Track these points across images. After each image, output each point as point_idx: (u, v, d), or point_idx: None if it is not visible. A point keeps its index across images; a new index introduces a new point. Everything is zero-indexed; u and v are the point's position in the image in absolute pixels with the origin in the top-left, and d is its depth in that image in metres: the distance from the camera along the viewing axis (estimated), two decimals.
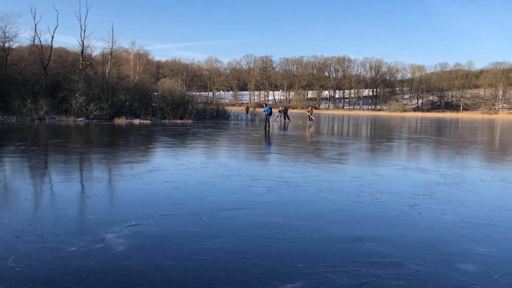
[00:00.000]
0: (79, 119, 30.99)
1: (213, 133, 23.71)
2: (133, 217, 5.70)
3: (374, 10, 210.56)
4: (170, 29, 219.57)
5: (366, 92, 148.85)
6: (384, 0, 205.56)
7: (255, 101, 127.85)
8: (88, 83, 33.43)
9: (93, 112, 31.32)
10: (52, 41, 34.29)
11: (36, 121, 28.85)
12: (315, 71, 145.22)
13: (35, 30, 34.37)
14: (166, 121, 34.59)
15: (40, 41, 34.12)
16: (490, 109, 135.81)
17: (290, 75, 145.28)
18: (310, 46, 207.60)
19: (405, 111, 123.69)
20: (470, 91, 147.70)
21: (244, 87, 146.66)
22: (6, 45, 36.31)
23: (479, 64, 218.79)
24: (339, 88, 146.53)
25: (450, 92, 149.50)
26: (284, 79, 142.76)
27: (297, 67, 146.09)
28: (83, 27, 35.98)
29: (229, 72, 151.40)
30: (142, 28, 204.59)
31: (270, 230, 5.30)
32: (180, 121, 34.70)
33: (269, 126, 28.29)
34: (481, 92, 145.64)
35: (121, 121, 32.08)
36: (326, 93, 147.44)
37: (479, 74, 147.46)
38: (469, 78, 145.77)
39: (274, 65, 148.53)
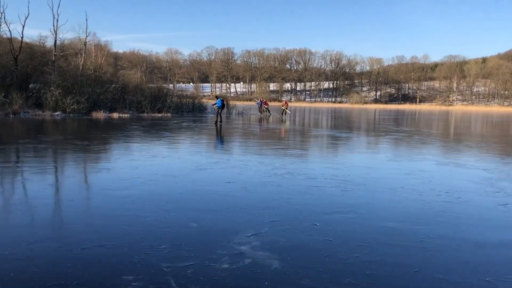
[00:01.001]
0: (55, 113, 29.57)
1: (210, 128, 23.16)
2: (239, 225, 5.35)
3: (334, 2, 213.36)
4: (124, 19, 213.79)
5: (327, 84, 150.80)
6: None
7: (217, 93, 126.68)
8: (62, 75, 31.84)
9: (70, 106, 29.93)
10: (23, 30, 32.44)
11: (11, 115, 27.27)
12: (277, 64, 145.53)
13: (4, 18, 32.20)
14: (145, 114, 33.57)
15: (9, 30, 32.15)
16: (445, 101, 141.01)
17: (252, 67, 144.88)
18: (272, 38, 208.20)
19: (366, 103, 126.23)
20: (426, 83, 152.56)
21: (205, 79, 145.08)
22: None
23: (434, 57, 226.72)
24: (300, 80, 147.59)
25: (407, 84, 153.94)
26: (246, 72, 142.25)
27: (259, 59, 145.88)
28: (56, 16, 34.18)
29: (189, 64, 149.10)
30: (95, 17, 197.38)
31: (393, 236, 5.10)
32: (159, 115, 33.79)
33: (220, 121, 25.41)
34: (436, 84, 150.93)
35: (99, 115, 30.94)
36: (287, 85, 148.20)
37: (434, 67, 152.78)
38: (425, 71, 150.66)
39: (236, 57, 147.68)
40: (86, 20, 37.21)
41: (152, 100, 34.72)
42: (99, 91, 32.87)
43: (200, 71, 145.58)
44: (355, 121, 36.18)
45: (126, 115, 32.25)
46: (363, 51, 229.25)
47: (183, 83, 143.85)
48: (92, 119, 27.34)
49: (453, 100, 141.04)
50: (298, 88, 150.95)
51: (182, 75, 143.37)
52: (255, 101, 53.49)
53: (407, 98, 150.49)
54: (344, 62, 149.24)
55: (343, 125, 29.18)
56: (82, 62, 35.43)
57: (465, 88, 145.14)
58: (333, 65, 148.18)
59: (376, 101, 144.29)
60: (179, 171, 9.19)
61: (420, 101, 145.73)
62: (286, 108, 38.36)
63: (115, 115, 31.54)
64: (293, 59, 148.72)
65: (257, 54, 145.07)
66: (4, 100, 27.59)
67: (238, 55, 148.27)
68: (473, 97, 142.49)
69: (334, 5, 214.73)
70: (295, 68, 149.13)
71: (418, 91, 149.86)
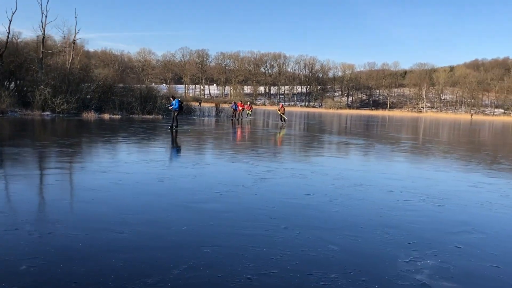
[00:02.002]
0: (45, 113, 28.25)
1: (216, 131, 22.54)
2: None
3: (308, 9, 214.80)
4: (94, 17, 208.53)
5: (300, 89, 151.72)
6: (317, 1, 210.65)
7: (191, 95, 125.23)
8: (49, 73, 30.45)
9: (60, 105, 28.65)
10: (9, 26, 30.71)
11: (0, 114, 25.85)
12: (252, 67, 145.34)
13: None
14: (136, 116, 32.58)
15: None
16: (414, 108, 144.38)
17: (226, 69, 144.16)
18: (247, 41, 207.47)
19: (340, 108, 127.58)
20: (396, 90, 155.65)
21: (179, 81, 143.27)
22: None
23: (405, 64, 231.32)
24: (274, 84, 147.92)
25: (378, 91, 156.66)
26: (221, 74, 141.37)
27: (234, 62, 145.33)
28: (44, 12, 32.69)
29: (163, 64, 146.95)
30: (64, 13, 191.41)
31: None
32: (150, 117, 32.85)
33: (176, 126, 21.99)
34: (406, 91, 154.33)
35: (90, 115, 29.78)
36: (261, 88, 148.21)
37: (404, 74, 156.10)
38: (396, 78, 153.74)
39: (211, 59, 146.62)
40: (76, 17, 36.29)
41: (142, 102, 33.73)
42: (87, 91, 31.65)
43: (174, 72, 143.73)
44: (356, 126, 36.22)
45: (117, 116, 31.18)
46: (336, 57, 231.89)
47: (155, 84, 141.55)
48: (85, 120, 26.27)
49: (422, 107, 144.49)
50: (272, 92, 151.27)
51: (155, 76, 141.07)
52: (229, 104, 46.76)
53: (378, 104, 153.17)
54: (317, 67, 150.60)
55: (351, 132, 29.10)
56: (70, 60, 34.03)
57: (433, 95, 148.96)
58: (306, 70, 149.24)
59: (348, 106, 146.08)
60: (242, 180, 8.65)
61: (391, 107, 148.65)
62: (283, 113, 36.45)
63: (106, 116, 30.41)
64: (267, 63, 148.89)
65: (232, 57, 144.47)
66: None
67: (212, 57, 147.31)
68: (441, 104, 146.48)
69: (308, 11, 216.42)
70: (269, 71, 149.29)
71: (388, 98, 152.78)
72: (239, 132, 23.49)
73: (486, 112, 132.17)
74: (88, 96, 32.09)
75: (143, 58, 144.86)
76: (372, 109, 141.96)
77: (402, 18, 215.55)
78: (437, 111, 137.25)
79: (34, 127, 20.65)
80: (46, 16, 32.80)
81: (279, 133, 23.95)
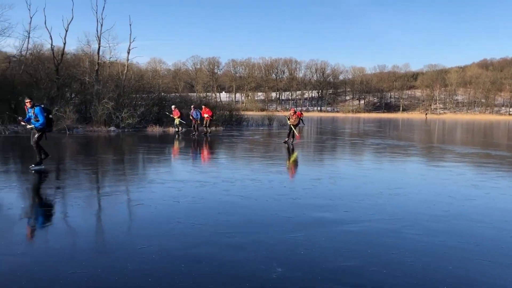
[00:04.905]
0: (110, 129, 26.65)
1: (308, 143, 20.96)
2: None
3: (316, 13, 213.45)
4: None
5: (311, 93, 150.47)
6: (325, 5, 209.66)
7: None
8: (105, 86, 28.80)
9: (125, 120, 27.05)
10: (65, 36, 29.03)
11: (68, 131, 24.23)
12: (263, 73, 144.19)
13: (45, 23, 28.92)
14: (200, 128, 30.98)
15: (50, 36, 28.99)
16: (426, 109, 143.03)
17: (237, 77, 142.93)
18: (257, 47, 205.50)
19: (358, 112, 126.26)
20: (408, 92, 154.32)
21: (191, 89, 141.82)
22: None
23: (415, 66, 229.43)
24: (286, 90, 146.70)
25: (389, 93, 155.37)
26: (233, 81, 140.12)
27: (245, 69, 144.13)
28: (100, 21, 31.05)
29: (174, 73, 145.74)
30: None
31: None
32: (214, 128, 31.29)
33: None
34: (417, 93, 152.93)
35: (155, 129, 28.20)
36: (273, 94, 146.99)
37: (415, 76, 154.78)
38: (407, 80, 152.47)
39: (221, 67, 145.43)
40: (130, 25, 33.86)
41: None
42: (147, 103, 30.07)
43: (185, 81, 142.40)
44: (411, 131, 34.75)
45: (181, 129, 29.58)
46: (345, 60, 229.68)
47: (165, 93, 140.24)
48: (156, 135, 24.80)
49: (435, 109, 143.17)
50: (283, 97, 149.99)
51: (167, 85, 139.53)
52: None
53: (390, 107, 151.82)
54: (328, 71, 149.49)
55: (472, 141, 27.57)
56: (125, 72, 32.44)
57: (445, 96, 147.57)
58: (318, 75, 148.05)
59: (363, 110, 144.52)
60: (452, 193, 7.13)
61: (403, 110, 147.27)
62: (295, 124, 35.42)
63: (171, 129, 28.77)
64: (278, 68, 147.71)
65: (243, 64, 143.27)
66: (59, 115, 24.47)
67: (223, 64, 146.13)
68: (453, 105, 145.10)
69: (316, 16, 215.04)
70: (281, 77, 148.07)
71: (401, 100, 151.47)
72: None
73: (501, 112, 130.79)
74: (149, 110, 30.50)
75: (153, 67, 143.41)
76: (384, 112, 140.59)
77: (407, 20, 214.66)
78: (454, 112, 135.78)
79: (120, 145, 19.08)
80: (101, 25, 31.21)
81: (290, 158, 15.35)
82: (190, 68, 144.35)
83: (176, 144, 19.91)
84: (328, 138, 25.07)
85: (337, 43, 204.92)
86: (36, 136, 10.80)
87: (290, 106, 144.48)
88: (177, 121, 26.68)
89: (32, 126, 10.69)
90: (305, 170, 11.95)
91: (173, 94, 35.30)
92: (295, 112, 20.90)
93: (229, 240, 5.45)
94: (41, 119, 10.64)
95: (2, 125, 23.24)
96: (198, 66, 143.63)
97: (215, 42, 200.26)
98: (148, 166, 12.61)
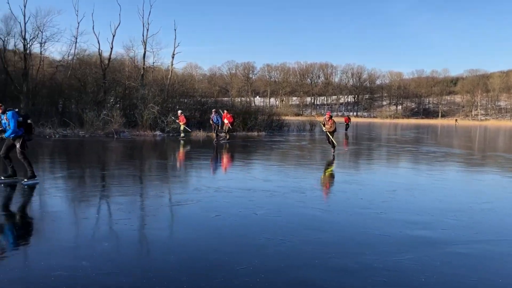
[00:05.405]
0: (156, 133, 26.59)
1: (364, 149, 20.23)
2: None
3: (352, 17, 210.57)
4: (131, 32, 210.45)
5: (347, 98, 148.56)
6: (360, 9, 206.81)
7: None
8: (150, 91, 28.77)
9: (170, 125, 26.94)
10: (112, 40, 29.26)
11: (115, 136, 24.27)
12: (298, 78, 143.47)
13: (93, 28, 29.31)
14: (243, 133, 30.71)
15: (98, 41, 29.30)
16: (467, 115, 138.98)
17: (272, 81, 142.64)
18: (293, 52, 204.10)
19: (396, 118, 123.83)
20: (447, 97, 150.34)
21: (225, 94, 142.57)
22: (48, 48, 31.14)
23: (454, 71, 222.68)
24: (321, 94, 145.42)
25: (427, 99, 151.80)
26: (267, 86, 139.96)
27: (280, 73, 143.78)
28: (146, 26, 31.21)
29: (209, 78, 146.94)
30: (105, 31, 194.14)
31: None
32: (254, 133, 30.91)
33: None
34: (457, 98, 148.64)
35: (199, 134, 27.98)
36: (308, 99, 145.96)
37: (455, 81, 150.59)
38: (447, 85, 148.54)
39: (256, 71, 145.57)
40: (175, 30, 33.84)
41: (245, 118, 31.84)
42: (191, 108, 29.96)
43: (219, 86, 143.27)
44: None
45: (222, 134, 29.25)
46: (382, 65, 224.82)
47: (206, 98, 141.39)
48: (201, 140, 24.56)
49: (476, 115, 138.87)
50: (318, 102, 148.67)
51: (204, 90, 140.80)
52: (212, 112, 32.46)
53: (428, 113, 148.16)
54: (364, 76, 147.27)
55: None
56: (170, 76, 32.49)
57: (487, 102, 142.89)
58: (354, 79, 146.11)
59: (402, 115, 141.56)
60: None
61: (442, 116, 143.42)
62: (331, 131, 35.04)
63: (212, 134, 28.47)
64: (314, 73, 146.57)
65: (278, 68, 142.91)
66: (107, 119, 24.57)
67: (258, 69, 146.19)
68: (495, 111, 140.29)
69: (354, 19, 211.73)
70: (316, 82, 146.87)
71: (440, 106, 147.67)
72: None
73: None
74: (189, 113, 30.36)
75: (189, 73, 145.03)
76: (421, 118, 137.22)
77: (446, 24, 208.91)
78: (497, 118, 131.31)
79: (170, 150, 18.86)
80: (147, 30, 31.32)
81: (326, 170, 13.47)
82: (225, 73, 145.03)
83: (225, 149, 19.56)
84: (379, 145, 24.21)
85: (374, 48, 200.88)
86: (17, 147, 8.91)
87: (325, 110, 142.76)
88: (182, 127, 25.20)
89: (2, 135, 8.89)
90: (373, 180, 11.27)
91: (211, 99, 34.95)
92: (331, 117, 17.31)
93: (331, 261, 4.90)
94: (12, 125, 8.69)
95: (52, 129, 23.46)
96: (233, 71, 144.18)
97: (250, 47, 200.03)
98: (206, 172, 12.24)
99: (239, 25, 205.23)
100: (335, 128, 17.52)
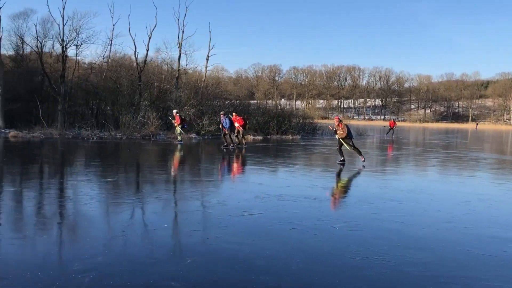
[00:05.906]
0: (192, 136, 26.32)
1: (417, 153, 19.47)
2: None
3: (382, 19, 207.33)
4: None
5: (375, 102, 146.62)
6: (387, 12, 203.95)
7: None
8: (189, 94, 28.48)
9: (206, 127, 26.62)
10: (148, 43, 29.11)
11: (152, 138, 24.08)
12: (325, 80, 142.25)
13: (129, 30, 29.28)
14: (277, 136, 30.24)
15: (134, 43, 29.26)
16: (498, 120, 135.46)
17: (298, 84, 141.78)
18: (319, 55, 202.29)
19: (426, 121, 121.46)
20: (477, 101, 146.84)
21: (251, 96, 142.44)
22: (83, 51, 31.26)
23: (485, 74, 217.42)
24: (348, 97, 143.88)
25: (457, 103, 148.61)
26: (293, 89, 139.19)
27: (307, 76, 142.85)
28: (182, 28, 31.01)
29: (235, 80, 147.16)
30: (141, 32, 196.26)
31: None
32: (289, 137, 30.39)
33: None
34: (488, 102, 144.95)
35: (233, 137, 27.54)
36: (334, 102, 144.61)
37: (486, 84, 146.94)
38: (477, 89, 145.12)
39: (282, 74, 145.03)
40: (210, 32, 33.66)
41: (279, 121, 31.37)
42: (227, 111, 29.58)
43: (246, 88, 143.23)
44: None
45: (257, 137, 28.86)
46: (410, 68, 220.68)
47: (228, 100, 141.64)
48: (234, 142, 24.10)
49: (508, 119, 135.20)
50: (344, 105, 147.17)
51: (230, 92, 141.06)
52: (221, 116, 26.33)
53: (457, 117, 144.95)
54: (392, 79, 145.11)
55: None
56: (204, 79, 32.26)
57: None
58: (382, 82, 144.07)
59: (432, 119, 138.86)
60: None
61: (472, 120, 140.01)
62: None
63: (249, 137, 28.04)
64: (341, 76, 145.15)
65: (304, 71, 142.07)
66: (144, 121, 24.41)
67: (284, 71, 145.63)
68: None
69: (382, 21, 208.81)
70: (343, 85, 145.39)
71: (470, 110, 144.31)
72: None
73: None
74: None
75: (216, 75, 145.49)
76: (451, 122, 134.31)
77: (476, 26, 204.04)
78: None
79: (210, 153, 18.47)
80: (183, 32, 31.09)
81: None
82: (251, 76, 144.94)
83: (268, 153, 19.05)
84: (423, 150, 23.33)
85: (402, 50, 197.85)
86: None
87: (352, 114, 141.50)
88: (178, 129, 22.85)
89: None
90: (438, 189, 10.59)
91: (246, 101, 34.61)
92: (340, 121, 15.00)
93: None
94: None
95: (90, 131, 23.42)
96: (259, 74, 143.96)
97: (277, 50, 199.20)
98: (259, 178, 11.75)
99: (266, 28, 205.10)
100: (349, 132, 14.98)
